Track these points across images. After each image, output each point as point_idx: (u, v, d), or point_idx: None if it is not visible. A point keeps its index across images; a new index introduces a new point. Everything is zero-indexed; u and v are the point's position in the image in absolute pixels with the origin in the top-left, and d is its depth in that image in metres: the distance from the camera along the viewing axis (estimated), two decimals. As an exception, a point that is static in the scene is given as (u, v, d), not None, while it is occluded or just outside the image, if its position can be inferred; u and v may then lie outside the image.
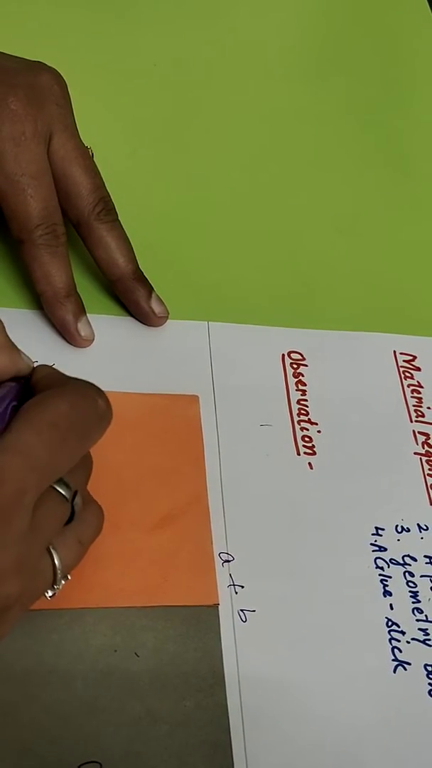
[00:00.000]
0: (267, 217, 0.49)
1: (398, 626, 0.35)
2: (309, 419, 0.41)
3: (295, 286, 0.46)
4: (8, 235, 0.41)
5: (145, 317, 0.42)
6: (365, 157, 0.54)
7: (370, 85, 0.59)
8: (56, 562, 0.28)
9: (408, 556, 0.37)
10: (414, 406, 0.43)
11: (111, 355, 0.41)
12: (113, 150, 0.47)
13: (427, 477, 0.40)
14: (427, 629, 0.35)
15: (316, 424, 0.41)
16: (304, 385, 0.42)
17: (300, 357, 0.43)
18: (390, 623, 0.35)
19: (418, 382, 0.44)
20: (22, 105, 0.39)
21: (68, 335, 0.40)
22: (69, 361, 0.40)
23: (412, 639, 0.35)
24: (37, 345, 0.40)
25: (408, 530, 0.38)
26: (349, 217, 0.51)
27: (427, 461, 0.41)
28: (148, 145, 0.45)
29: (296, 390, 0.42)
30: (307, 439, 0.40)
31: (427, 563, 0.37)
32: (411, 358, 0.44)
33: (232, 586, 0.35)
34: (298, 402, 0.41)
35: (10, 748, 0.29)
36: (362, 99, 0.58)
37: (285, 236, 0.49)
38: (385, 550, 0.37)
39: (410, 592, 0.36)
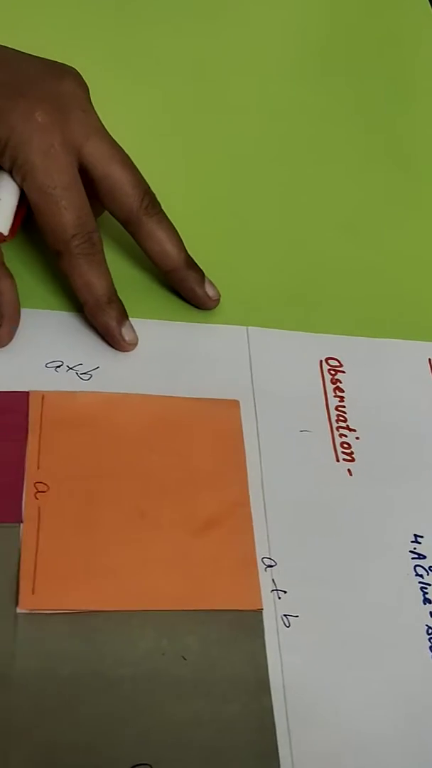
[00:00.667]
0: (298, 224, 0.50)
1: (438, 634, 0.36)
2: (347, 425, 0.41)
3: (331, 293, 0.47)
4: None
5: (202, 302, 0.43)
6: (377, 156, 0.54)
7: (373, 84, 0.59)
8: None
9: (447, 563, 0.38)
10: (450, 413, 0.43)
11: (151, 359, 0.41)
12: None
13: (465, 485, 0.40)
14: (466, 637, 0.36)
15: (355, 430, 0.41)
16: (342, 391, 0.42)
17: (337, 363, 0.43)
18: (430, 630, 0.36)
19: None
20: (49, 117, 0.39)
21: (113, 340, 0.41)
22: (110, 365, 0.40)
23: (453, 647, 0.35)
24: (81, 347, 0.41)
25: (447, 538, 0.38)
26: (385, 227, 0.51)
27: (464, 469, 0.41)
28: (149, 144, 0.45)
29: (334, 396, 0.42)
30: (345, 445, 0.40)
31: (466, 571, 0.38)
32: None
33: (275, 591, 0.35)
34: (336, 408, 0.42)
35: (63, 749, 0.30)
36: (365, 98, 0.58)
37: (320, 244, 0.49)
38: (425, 557, 0.38)
39: (450, 600, 0.37)
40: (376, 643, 0.35)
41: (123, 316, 0.41)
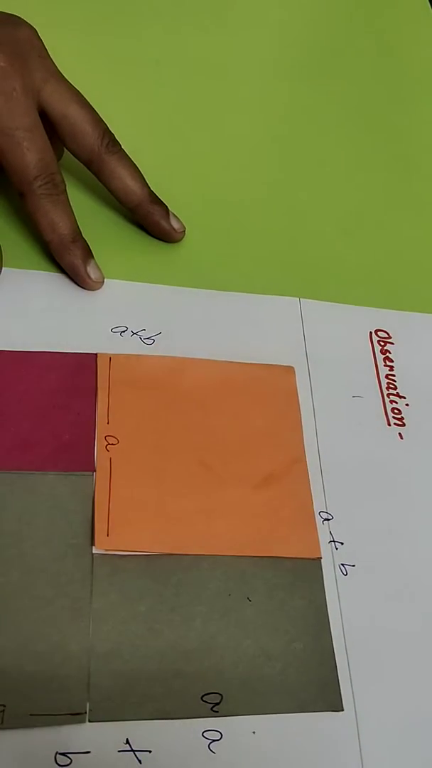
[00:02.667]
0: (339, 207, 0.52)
1: None
2: (397, 393, 0.43)
3: (376, 268, 0.49)
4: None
5: (168, 235, 0.45)
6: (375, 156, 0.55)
7: (373, 84, 0.60)
8: None
9: None
10: None
11: (208, 326, 0.43)
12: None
13: None
14: None
15: (404, 397, 0.43)
16: (391, 361, 0.44)
17: (386, 335, 0.45)
18: None
19: None
20: (10, 61, 0.40)
21: (79, 279, 0.42)
22: (171, 331, 0.42)
23: None
24: (144, 314, 0.43)
25: None
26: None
27: None
28: (150, 143, 0.46)
29: (384, 365, 0.44)
30: (396, 411, 0.42)
31: None
32: None
33: (333, 543, 0.37)
34: (386, 377, 0.44)
35: (139, 677, 0.32)
36: (365, 98, 0.59)
37: (365, 222, 0.51)
38: (472, 515, 0.39)
39: None
40: (428, 591, 0.37)
41: (88, 254, 0.42)
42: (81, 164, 0.44)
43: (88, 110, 0.43)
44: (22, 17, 0.43)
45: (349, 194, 0.52)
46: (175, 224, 0.45)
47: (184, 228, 0.46)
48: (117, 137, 0.44)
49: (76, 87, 0.43)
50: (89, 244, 0.43)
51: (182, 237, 0.46)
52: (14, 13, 0.43)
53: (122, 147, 0.44)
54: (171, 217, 0.45)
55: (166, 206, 0.45)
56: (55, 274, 0.43)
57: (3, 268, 0.42)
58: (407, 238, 0.51)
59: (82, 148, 0.43)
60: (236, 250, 0.47)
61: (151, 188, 0.45)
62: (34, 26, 0.43)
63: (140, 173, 0.44)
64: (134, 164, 0.44)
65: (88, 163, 0.44)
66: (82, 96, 0.43)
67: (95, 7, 0.58)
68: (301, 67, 0.60)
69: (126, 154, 0.44)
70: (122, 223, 0.47)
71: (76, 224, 0.42)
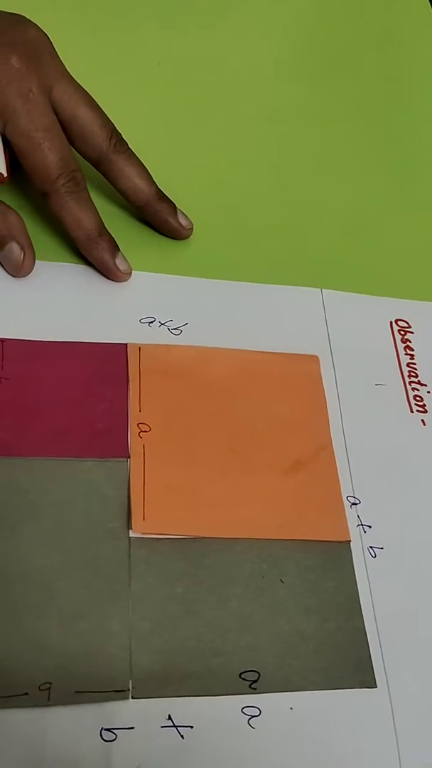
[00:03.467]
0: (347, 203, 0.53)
1: None
2: (419, 381, 0.44)
3: (396, 259, 0.50)
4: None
5: (175, 232, 0.46)
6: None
7: (373, 84, 0.60)
8: None
9: None
10: None
11: (233, 317, 0.44)
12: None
13: None
14: None
15: (426, 385, 0.44)
16: (412, 350, 0.45)
17: (406, 325, 0.46)
18: None
19: None
20: (24, 62, 0.41)
21: (108, 272, 0.43)
22: (197, 322, 0.43)
23: None
24: (171, 305, 0.44)
25: None
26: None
27: None
28: (150, 144, 0.46)
29: (405, 354, 0.45)
30: (418, 398, 0.43)
31: None
32: None
33: (361, 526, 0.38)
34: (407, 365, 0.44)
35: (179, 656, 0.33)
36: (365, 98, 0.59)
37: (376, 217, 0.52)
38: None
39: None
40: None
41: (114, 247, 0.43)
42: (86, 163, 0.45)
43: (96, 111, 0.44)
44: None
45: (368, 186, 0.53)
46: (183, 221, 0.46)
47: (192, 225, 0.46)
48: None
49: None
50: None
51: (190, 234, 0.46)
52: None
53: (129, 147, 0.45)
54: (179, 214, 0.46)
55: (174, 204, 0.46)
56: (83, 266, 0.44)
57: (36, 261, 0.42)
58: (426, 229, 0.51)
59: (91, 148, 0.44)
60: (250, 245, 0.48)
61: (159, 186, 0.46)
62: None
63: (148, 172, 0.45)
64: (142, 163, 0.45)
65: (97, 163, 0.44)
66: (91, 96, 0.44)
67: (96, 8, 0.59)
68: (303, 68, 0.60)
69: (133, 153, 0.45)
70: (131, 220, 0.47)
71: (100, 218, 0.43)
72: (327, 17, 0.65)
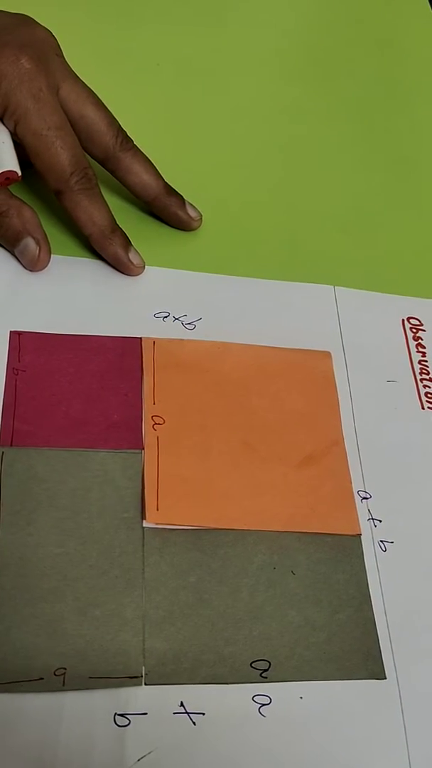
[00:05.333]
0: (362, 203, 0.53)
1: None
2: (430, 377, 0.44)
3: (407, 257, 0.50)
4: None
5: (186, 224, 0.47)
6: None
7: (372, 85, 0.60)
8: None
9: None
10: None
11: (247, 313, 0.44)
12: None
13: None
14: None
15: (437, 382, 0.44)
16: (424, 347, 0.45)
17: (418, 322, 0.47)
18: None
19: None
20: (34, 62, 0.41)
21: (122, 267, 0.44)
22: (211, 317, 0.44)
23: None
24: (185, 300, 0.44)
25: None
26: None
27: None
28: (150, 144, 0.46)
29: (417, 351, 0.45)
30: (429, 395, 0.43)
31: None
32: None
33: (371, 520, 0.38)
34: (419, 362, 0.45)
35: (191, 644, 0.33)
36: (365, 98, 0.59)
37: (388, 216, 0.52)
38: None
39: None
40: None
41: (127, 242, 0.44)
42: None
43: (103, 110, 0.44)
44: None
45: (379, 184, 0.53)
46: (192, 213, 0.47)
47: (201, 215, 0.47)
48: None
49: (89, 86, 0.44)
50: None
51: (200, 225, 0.47)
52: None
53: (135, 144, 0.45)
54: (187, 206, 0.47)
55: (182, 196, 0.46)
56: (99, 261, 0.44)
57: (53, 256, 0.43)
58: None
59: (98, 147, 0.44)
60: (261, 243, 0.48)
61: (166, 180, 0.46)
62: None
63: (154, 167, 0.46)
64: (148, 159, 0.45)
65: (104, 161, 0.45)
66: (96, 95, 0.44)
67: (96, 8, 0.59)
68: (302, 68, 0.60)
69: (139, 150, 0.45)
70: (143, 216, 0.48)
71: (112, 214, 0.44)
72: (327, 17, 0.65)
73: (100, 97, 0.44)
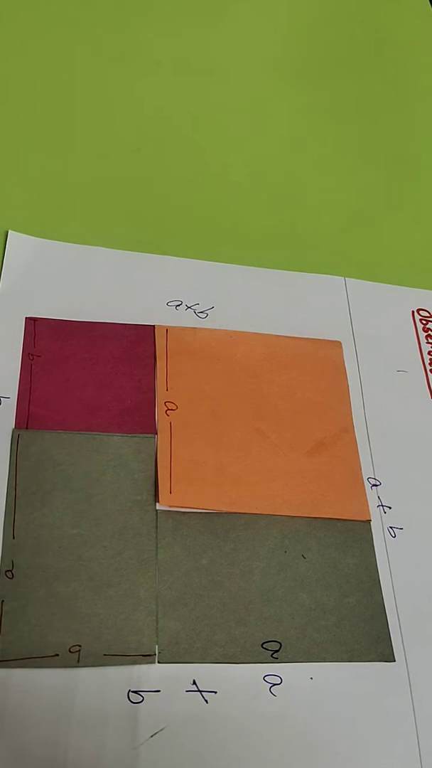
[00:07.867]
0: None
1: None
2: (440, 368, 0.45)
3: (418, 249, 0.50)
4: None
5: None
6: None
7: (372, 84, 0.60)
8: None
9: None
10: None
11: (259, 302, 0.45)
12: (117, 148, 0.49)
13: None
14: None
15: (446, 373, 0.45)
16: (433, 339, 0.46)
17: (428, 314, 0.47)
18: None
19: None
20: None
21: None
22: (223, 306, 0.44)
23: None
24: (198, 290, 0.44)
25: None
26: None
27: None
28: (151, 143, 0.46)
29: (426, 342, 0.46)
30: (438, 385, 0.44)
31: None
32: None
33: (381, 507, 0.39)
34: (429, 353, 0.45)
35: (204, 624, 0.34)
36: (365, 98, 0.59)
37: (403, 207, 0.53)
38: None
39: None
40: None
41: None
42: (124, 153, 0.43)
43: None
44: (24, 17, 0.42)
45: (389, 179, 0.54)
46: None
47: None
48: (124, 136, 0.43)
49: (78, 88, 0.42)
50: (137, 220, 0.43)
51: None
52: (16, 13, 0.42)
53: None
54: None
55: None
56: (113, 250, 0.45)
57: (67, 244, 0.43)
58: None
59: None
60: (270, 235, 0.49)
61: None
62: (37, 26, 0.41)
63: None
64: None
65: None
66: None
67: (96, 8, 0.59)
68: (302, 68, 0.60)
69: None
70: (157, 205, 0.48)
71: None
72: (327, 17, 0.65)
73: (101, 95, 0.43)
